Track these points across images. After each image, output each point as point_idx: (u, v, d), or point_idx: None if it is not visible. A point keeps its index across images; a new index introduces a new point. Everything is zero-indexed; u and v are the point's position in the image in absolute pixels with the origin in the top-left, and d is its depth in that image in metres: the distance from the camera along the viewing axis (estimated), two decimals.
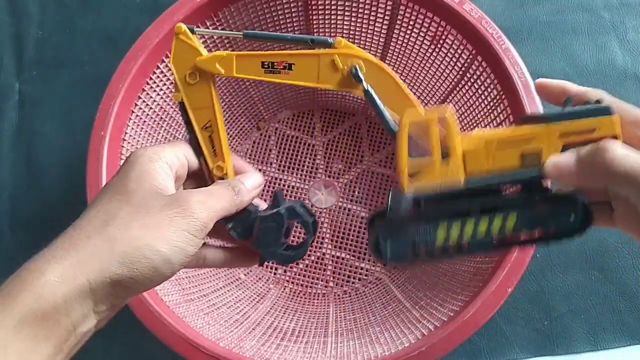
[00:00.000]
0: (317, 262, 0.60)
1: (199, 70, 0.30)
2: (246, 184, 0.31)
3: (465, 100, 0.50)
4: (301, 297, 0.58)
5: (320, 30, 0.53)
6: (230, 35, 0.31)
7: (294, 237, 0.59)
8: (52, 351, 0.23)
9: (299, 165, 0.63)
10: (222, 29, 0.49)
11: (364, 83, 0.29)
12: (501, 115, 0.46)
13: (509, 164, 0.27)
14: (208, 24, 0.47)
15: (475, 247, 0.28)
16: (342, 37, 0.54)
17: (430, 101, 0.55)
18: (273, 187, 0.62)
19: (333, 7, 0.50)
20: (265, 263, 0.60)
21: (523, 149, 0.27)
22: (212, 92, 0.30)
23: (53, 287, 0.23)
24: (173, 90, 0.51)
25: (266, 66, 0.29)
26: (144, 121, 0.48)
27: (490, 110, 0.47)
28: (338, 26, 0.53)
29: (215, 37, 0.48)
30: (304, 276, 0.59)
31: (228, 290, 0.53)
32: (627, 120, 0.27)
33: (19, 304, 0.22)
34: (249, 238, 0.31)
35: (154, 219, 0.26)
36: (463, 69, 0.48)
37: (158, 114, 0.50)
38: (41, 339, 0.23)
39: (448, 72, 0.50)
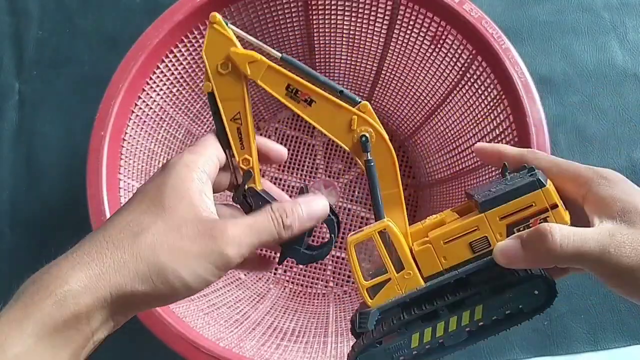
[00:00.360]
0: (317, 262, 0.60)
1: (231, 61, 0.29)
2: (304, 211, 0.29)
3: (465, 100, 0.50)
4: (301, 297, 0.58)
5: (321, 30, 0.53)
6: (257, 46, 0.30)
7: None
8: (69, 359, 0.23)
9: (299, 165, 0.63)
10: None
11: (369, 154, 0.29)
12: (501, 115, 0.46)
13: (461, 257, 0.28)
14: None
15: (450, 344, 0.29)
16: (342, 37, 0.55)
17: (431, 101, 0.55)
18: None
19: (333, 7, 0.50)
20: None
21: (470, 239, 0.28)
22: (243, 84, 0.30)
23: (76, 296, 0.23)
24: (173, 90, 0.51)
25: (290, 90, 0.29)
26: (144, 121, 0.48)
27: (490, 110, 0.47)
28: (338, 26, 0.53)
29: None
30: (304, 276, 0.59)
31: (228, 290, 0.53)
32: (567, 178, 0.27)
33: (41, 311, 0.22)
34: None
35: (184, 245, 0.25)
36: (463, 69, 0.48)
37: (158, 114, 0.50)
38: (60, 348, 0.23)
39: (448, 72, 0.50)
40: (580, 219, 0.27)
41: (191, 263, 0.25)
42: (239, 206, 0.31)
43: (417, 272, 0.28)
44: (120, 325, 0.26)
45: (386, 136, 0.29)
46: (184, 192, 0.26)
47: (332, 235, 0.31)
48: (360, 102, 0.29)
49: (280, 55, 0.30)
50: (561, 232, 0.24)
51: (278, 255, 0.31)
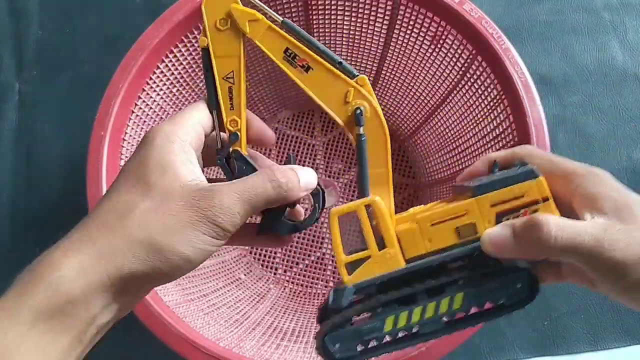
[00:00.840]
0: (317, 262, 0.60)
1: (231, 17, 0.28)
2: (300, 177, 0.28)
3: (465, 100, 0.50)
4: (301, 297, 0.58)
5: (320, 30, 0.53)
6: (259, 7, 0.29)
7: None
8: (69, 344, 0.23)
9: (299, 165, 0.63)
10: None
11: (362, 128, 0.28)
12: (501, 115, 0.46)
13: (446, 241, 0.27)
14: None
15: (425, 331, 0.28)
16: (343, 37, 0.55)
17: (431, 101, 0.55)
18: None
19: (333, 7, 0.50)
20: (267, 265, 0.60)
21: (457, 224, 0.27)
22: (241, 42, 0.29)
23: (70, 281, 0.22)
24: (173, 90, 0.51)
25: (288, 54, 0.28)
26: (144, 121, 0.48)
27: (490, 110, 0.47)
28: (338, 26, 0.53)
29: None
30: (304, 276, 0.59)
31: (228, 290, 0.53)
32: (558, 175, 0.27)
33: (34, 299, 0.22)
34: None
35: (175, 219, 0.24)
36: (463, 69, 0.48)
37: (158, 114, 0.50)
38: (58, 333, 0.22)
39: (448, 72, 0.50)
40: (566, 217, 0.27)
41: (185, 236, 0.24)
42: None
43: (399, 252, 0.27)
44: (128, 308, 0.25)
45: (381, 113, 0.29)
46: (168, 165, 0.25)
47: (317, 205, 0.30)
48: (358, 75, 0.29)
49: (282, 19, 0.29)
50: (556, 224, 0.24)
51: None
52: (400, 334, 0.28)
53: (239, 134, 0.29)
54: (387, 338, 0.28)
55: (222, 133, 0.30)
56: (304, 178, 0.28)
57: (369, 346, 0.28)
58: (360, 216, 0.28)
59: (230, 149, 0.29)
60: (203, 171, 0.28)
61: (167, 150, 0.26)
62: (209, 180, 0.27)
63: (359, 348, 0.28)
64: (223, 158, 0.29)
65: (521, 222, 0.25)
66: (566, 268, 0.28)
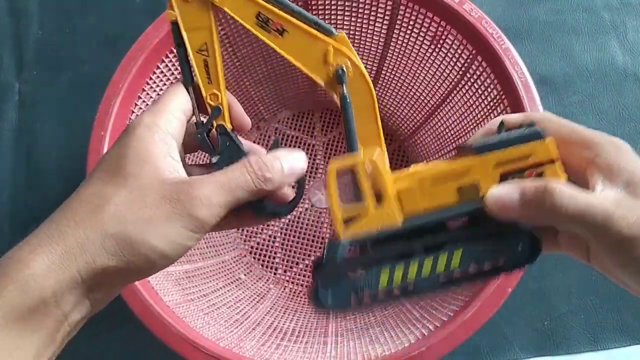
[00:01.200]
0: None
1: None
2: (284, 166, 0.27)
3: (465, 100, 0.50)
4: (301, 297, 0.58)
5: None
6: None
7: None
8: (42, 343, 0.22)
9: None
10: (221, 29, 0.49)
11: (345, 87, 0.27)
12: (501, 116, 0.46)
13: (446, 200, 0.26)
14: None
15: (420, 287, 0.27)
16: None
17: (431, 101, 0.55)
18: None
19: (333, 7, 0.50)
20: (267, 265, 0.60)
21: (459, 182, 0.26)
22: (210, 12, 0.27)
23: (39, 280, 0.22)
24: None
25: (261, 19, 0.27)
26: None
27: (490, 110, 0.47)
28: (338, 26, 0.53)
29: None
30: (303, 276, 0.59)
31: (228, 290, 0.53)
32: (577, 141, 0.26)
33: (2, 300, 0.21)
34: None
35: (151, 212, 0.23)
36: (463, 69, 0.48)
37: None
38: (28, 333, 0.22)
39: (448, 72, 0.50)
40: (572, 183, 0.26)
41: (161, 231, 0.23)
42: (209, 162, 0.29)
43: (397, 209, 0.27)
44: (102, 304, 0.25)
45: (364, 70, 0.28)
46: (147, 156, 0.24)
47: (301, 191, 0.29)
48: (337, 34, 0.28)
49: None
50: (568, 193, 0.24)
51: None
52: (395, 291, 0.27)
53: (221, 107, 0.28)
54: (380, 293, 0.27)
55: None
56: (288, 165, 0.27)
57: (363, 300, 0.27)
58: (358, 171, 0.27)
59: (214, 123, 0.28)
60: (185, 157, 0.27)
61: (147, 141, 0.25)
62: (190, 168, 0.27)
63: (353, 301, 0.27)
64: (204, 132, 0.28)
65: (532, 186, 0.25)
66: (563, 238, 0.27)
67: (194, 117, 0.29)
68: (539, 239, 0.27)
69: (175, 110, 0.27)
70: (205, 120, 0.28)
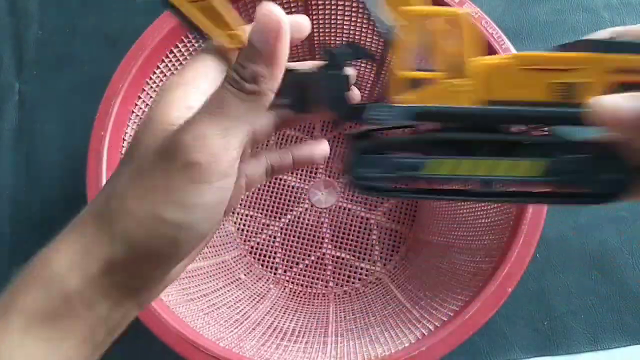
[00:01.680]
0: (317, 262, 0.60)
1: None
2: (255, 39, 0.21)
3: None
4: (301, 297, 0.58)
5: (320, 30, 0.53)
6: None
7: None
8: (74, 352, 0.20)
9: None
10: None
11: None
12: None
13: (538, 96, 0.21)
14: None
15: (469, 187, 0.22)
16: (342, 37, 0.54)
17: None
18: (272, 188, 0.62)
19: (333, 7, 0.50)
20: (267, 265, 0.60)
21: (558, 77, 0.21)
22: None
23: (62, 280, 0.20)
24: None
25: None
26: None
27: None
28: (338, 26, 0.53)
29: None
30: (304, 276, 0.59)
31: (228, 290, 0.53)
32: None
33: (25, 302, 0.19)
34: (308, 107, 0.25)
35: (150, 179, 0.20)
36: None
37: None
38: (56, 340, 0.20)
39: None
40: None
41: (169, 195, 0.19)
42: None
43: (477, 87, 0.21)
44: (144, 299, 0.22)
45: None
46: (149, 123, 0.21)
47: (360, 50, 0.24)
48: None
49: None
50: None
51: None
52: (436, 181, 0.23)
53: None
54: (419, 180, 0.23)
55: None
56: (257, 32, 0.21)
57: (399, 185, 0.23)
58: (436, 28, 0.21)
59: None
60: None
61: (166, 99, 0.21)
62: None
63: (388, 182, 0.23)
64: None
65: None
66: None
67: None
68: (632, 174, 0.22)
69: (208, 69, 0.23)
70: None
